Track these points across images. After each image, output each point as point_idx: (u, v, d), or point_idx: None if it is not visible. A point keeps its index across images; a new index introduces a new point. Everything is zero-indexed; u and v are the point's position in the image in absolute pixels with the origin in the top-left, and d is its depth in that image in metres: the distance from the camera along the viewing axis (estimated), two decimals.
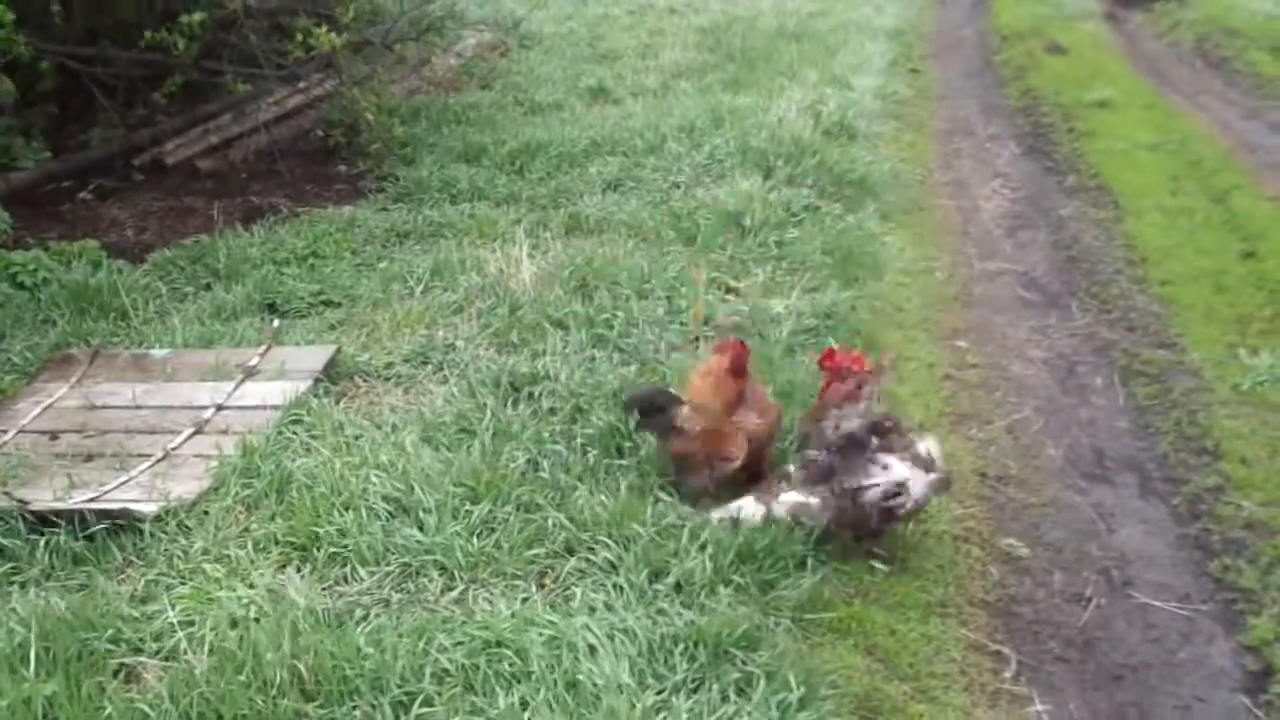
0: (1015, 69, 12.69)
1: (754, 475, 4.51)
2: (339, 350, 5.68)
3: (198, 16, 8.09)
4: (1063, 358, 6.23)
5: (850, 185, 8.15)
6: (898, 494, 4.16)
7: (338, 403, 5.27)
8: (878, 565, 4.24)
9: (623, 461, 4.62)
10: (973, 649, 3.96)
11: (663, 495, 4.37)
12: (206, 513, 4.41)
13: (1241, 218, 7.98)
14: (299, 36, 8.20)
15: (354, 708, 3.34)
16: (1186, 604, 4.24)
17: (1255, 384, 5.67)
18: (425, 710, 3.33)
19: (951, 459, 5.09)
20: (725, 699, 3.37)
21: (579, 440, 4.77)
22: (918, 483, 4.19)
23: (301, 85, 9.80)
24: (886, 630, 3.90)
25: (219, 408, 5.27)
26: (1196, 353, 6.09)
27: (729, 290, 6.39)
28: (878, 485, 4.19)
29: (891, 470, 4.21)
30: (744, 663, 3.51)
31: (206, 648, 3.61)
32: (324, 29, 8.12)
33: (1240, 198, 8.37)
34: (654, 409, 4.56)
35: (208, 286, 6.80)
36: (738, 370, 4.54)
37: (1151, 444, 5.32)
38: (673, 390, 4.65)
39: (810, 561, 4.07)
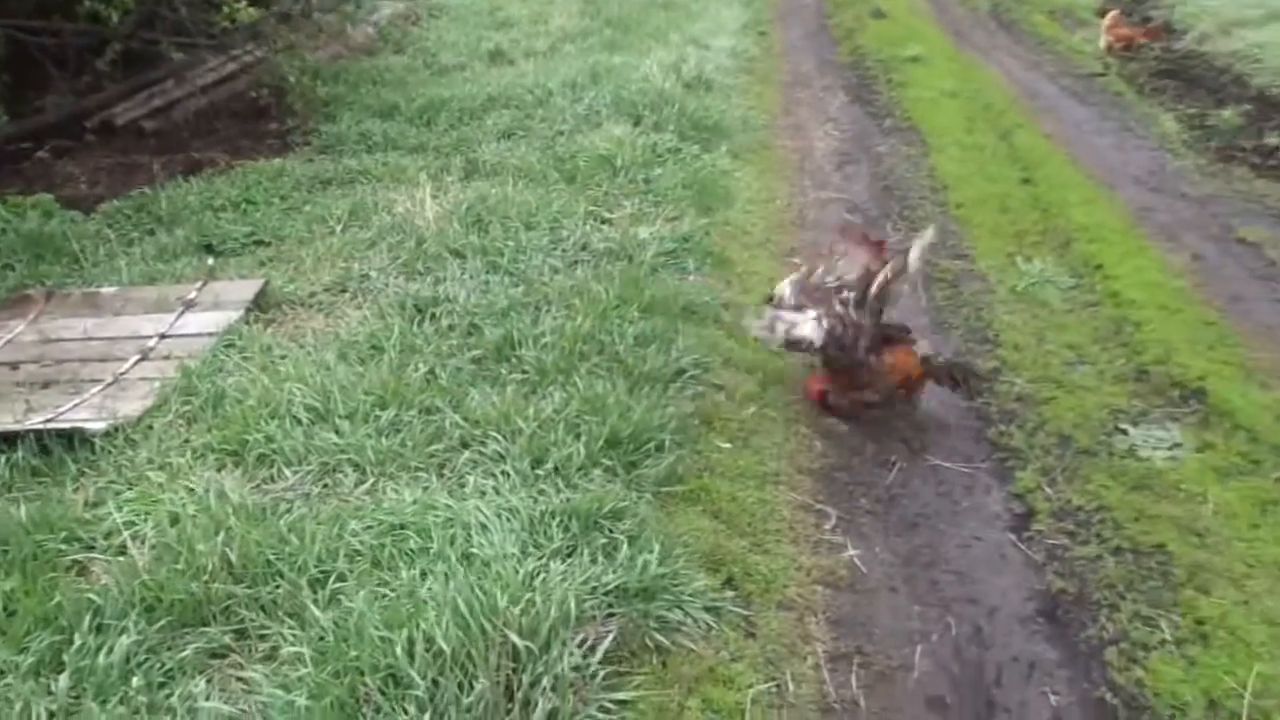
0: (845, 31, 12.52)
1: None
2: (267, 283, 5.42)
3: None
4: None
5: (706, 129, 7.99)
6: None
7: (266, 329, 5.04)
8: (723, 444, 4.24)
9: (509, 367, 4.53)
10: (800, 509, 3.98)
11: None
12: (150, 428, 4.20)
13: (1022, 151, 8.06)
14: (225, 9, 7.70)
15: (276, 587, 3.24)
16: (969, 464, 4.32)
17: (1028, 285, 5.77)
18: (338, 585, 3.24)
19: (786, 357, 5.12)
20: (594, 561, 3.34)
21: (474, 352, 4.65)
22: None
23: (235, 53, 9.23)
24: (729, 497, 3.90)
25: (162, 337, 5.00)
26: (983, 261, 6.16)
27: (603, 221, 6.25)
28: None
29: None
30: (611, 531, 3.49)
31: (148, 543, 3.47)
32: (243, 3, 7.62)
33: (1021, 135, 8.45)
34: None
35: (151, 232, 6.40)
36: None
37: (946, 336, 5.38)
38: None
39: (668, 444, 4.04)
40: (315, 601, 3.17)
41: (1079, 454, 4.28)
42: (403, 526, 3.50)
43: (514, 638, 2.88)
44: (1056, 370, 4.89)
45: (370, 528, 3.51)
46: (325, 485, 3.87)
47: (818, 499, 4.06)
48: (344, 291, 5.49)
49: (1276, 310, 5.55)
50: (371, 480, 3.85)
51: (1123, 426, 4.43)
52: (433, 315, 5.04)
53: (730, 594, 3.42)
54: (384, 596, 3.15)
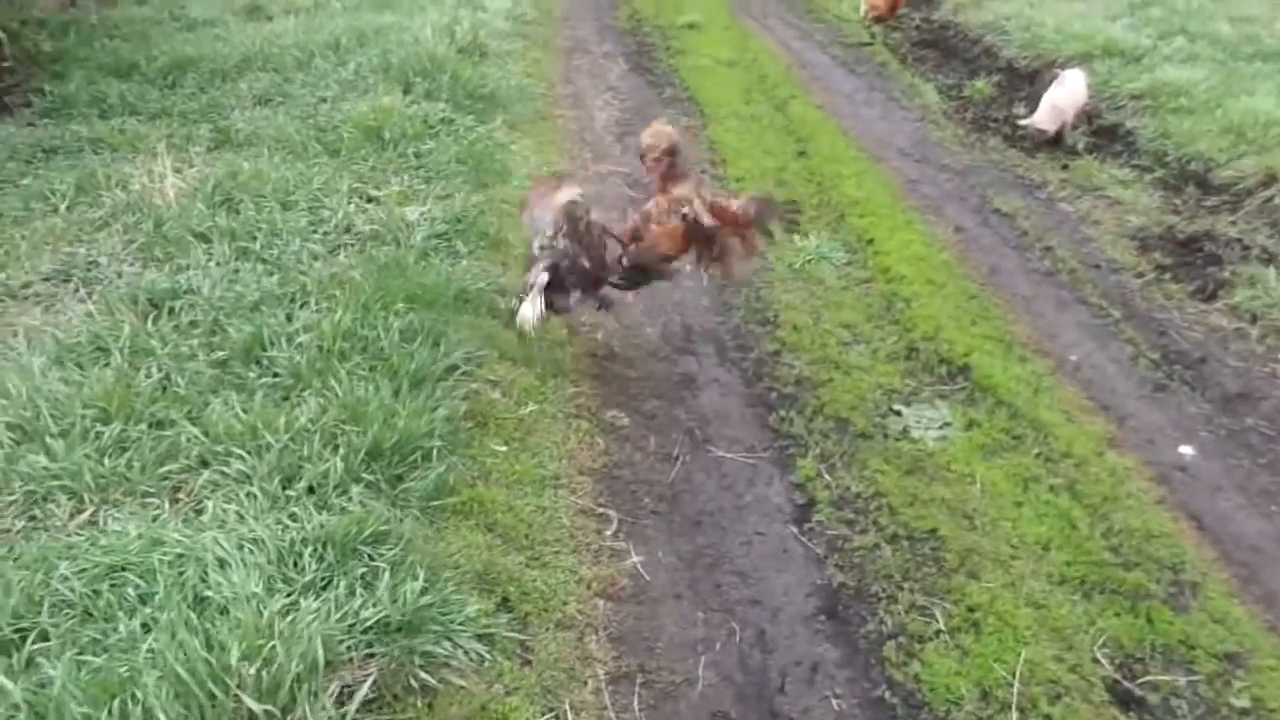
0: None
1: None
2: None
3: None
4: None
5: (482, 99, 7.60)
6: None
7: None
8: (498, 447, 3.95)
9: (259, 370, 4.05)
10: (581, 514, 3.77)
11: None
12: None
13: (796, 123, 8.14)
14: None
15: None
16: (751, 453, 4.23)
17: (804, 262, 5.79)
18: (40, 645, 2.74)
19: (567, 344, 4.89)
20: (352, 594, 3.00)
21: (217, 353, 4.13)
22: None
23: None
24: (505, 507, 3.63)
25: None
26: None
27: (369, 200, 5.76)
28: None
29: None
30: (371, 557, 3.14)
31: None
32: None
33: (796, 106, 8.54)
34: None
35: None
36: None
37: (727, 318, 5.31)
38: None
39: (438, 452, 3.71)
40: (9, 669, 2.66)
41: (856, 438, 4.28)
42: (124, 567, 3.01)
43: (249, 701, 2.51)
44: (834, 351, 4.90)
45: (84, 570, 3.00)
46: (32, 519, 3.31)
47: (599, 502, 3.85)
48: (67, 281, 4.83)
49: (1030, 281, 5.82)
50: (91, 510, 3.32)
51: (896, 407, 4.48)
52: (171, 310, 4.46)
53: (505, 617, 3.17)
54: (95, 659, 2.68)
